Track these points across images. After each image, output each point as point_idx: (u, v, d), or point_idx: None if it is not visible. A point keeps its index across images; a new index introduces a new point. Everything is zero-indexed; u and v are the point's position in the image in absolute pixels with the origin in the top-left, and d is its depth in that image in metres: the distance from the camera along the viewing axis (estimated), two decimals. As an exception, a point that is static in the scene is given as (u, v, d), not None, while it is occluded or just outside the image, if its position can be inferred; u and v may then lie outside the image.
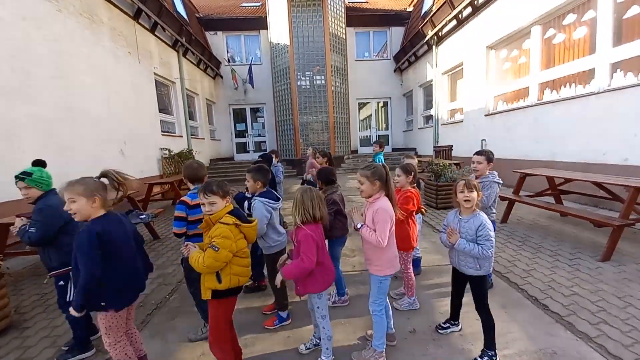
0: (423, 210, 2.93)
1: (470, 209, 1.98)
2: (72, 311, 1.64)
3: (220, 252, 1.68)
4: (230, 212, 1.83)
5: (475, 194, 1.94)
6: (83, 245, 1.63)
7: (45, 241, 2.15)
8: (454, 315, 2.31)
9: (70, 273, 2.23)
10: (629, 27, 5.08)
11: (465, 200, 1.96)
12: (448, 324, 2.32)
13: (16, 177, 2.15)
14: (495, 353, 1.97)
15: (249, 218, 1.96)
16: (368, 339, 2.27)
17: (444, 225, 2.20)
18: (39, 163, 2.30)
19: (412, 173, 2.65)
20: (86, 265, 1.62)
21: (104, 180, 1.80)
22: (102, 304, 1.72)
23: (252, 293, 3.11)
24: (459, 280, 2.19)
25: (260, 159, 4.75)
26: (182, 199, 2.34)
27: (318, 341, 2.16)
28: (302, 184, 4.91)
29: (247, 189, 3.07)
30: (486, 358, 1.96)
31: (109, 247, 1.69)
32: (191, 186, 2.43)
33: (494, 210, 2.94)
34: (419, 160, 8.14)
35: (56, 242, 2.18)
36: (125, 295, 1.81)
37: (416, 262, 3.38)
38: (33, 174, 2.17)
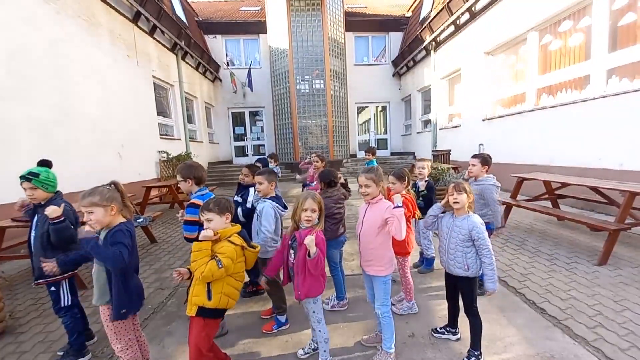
0: (417, 215, 2.96)
1: (461, 210, 2.03)
2: (49, 267, 1.68)
3: (220, 270, 1.67)
4: (239, 233, 1.84)
5: (464, 196, 1.99)
6: (124, 237, 1.67)
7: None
8: (451, 322, 2.31)
9: (67, 280, 2.23)
10: (624, 34, 5.16)
11: (454, 202, 2.02)
12: (444, 330, 2.32)
13: (22, 177, 2.10)
14: (481, 353, 2.03)
15: (252, 243, 1.95)
16: (364, 344, 2.27)
17: (432, 213, 2.22)
18: (45, 163, 2.25)
19: (406, 179, 2.69)
20: (124, 252, 1.62)
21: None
22: (123, 311, 1.71)
23: (250, 297, 3.09)
24: (451, 283, 2.20)
25: (257, 162, 4.75)
26: (192, 201, 2.29)
27: (316, 345, 2.15)
28: (303, 187, 4.92)
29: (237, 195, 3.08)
30: (473, 358, 2.01)
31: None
32: (196, 187, 2.41)
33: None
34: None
35: (64, 248, 2.14)
36: (139, 298, 1.83)
37: (429, 262, 3.49)
38: (40, 175, 2.12)
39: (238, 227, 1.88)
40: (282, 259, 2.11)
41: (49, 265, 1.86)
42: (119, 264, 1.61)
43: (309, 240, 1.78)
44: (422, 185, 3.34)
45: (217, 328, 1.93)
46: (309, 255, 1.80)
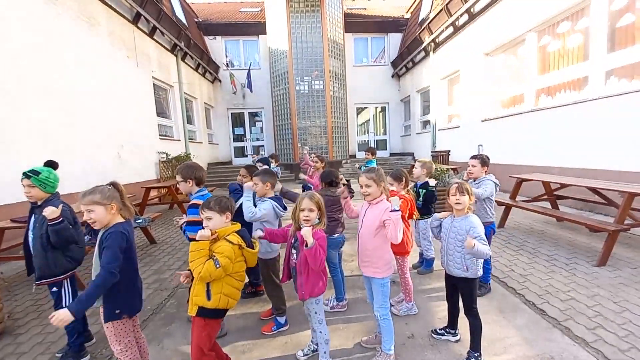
0: (415, 215, 2.96)
1: (462, 212, 2.04)
2: (65, 315, 1.43)
3: (218, 269, 1.67)
4: (237, 232, 1.83)
5: (466, 197, 2.00)
6: (117, 241, 1.65)
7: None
8: (451, 323, 2.31)
9: (68, 280, 2.24)
10: (622, 35, 5.17)
11: (456, 203, 2.02)
12: (444, 331, 2.32)
13: (24, 173, 2.13)
14: (481, 354, 2.03)
15: (253, 240, 1.94)
16: (363, 345, 2.27)
17: (435, 218, 2.22)
18: (51, 164, 2.27)
19: (404, 179, 2.70)
20: (111, 262, 1.61)
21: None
22: (117, 311, 1.71)
23: (250, 298, 3.09)
24: (451, 284, 2.21)
25: (259, 162, 4.78)
26: (193, 202, 2.31)
27: (316, 347, 2.15)
28: (303, 188, 4.93)
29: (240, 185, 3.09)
30: (473, 359, 2.01)
31: (128, 253, 1.71)
32: (196, 188, 2.42)
33: (493, 212, 2.96)
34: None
35: (64, 248, 2.16)
36: (137, 300, 1.82)
37: (429, 262, 3.48)
38: (41, 174, 2.14)
39: (238, 226, 1.86)
40: (283, 237, 2.14)
41: (60, 319, 1.46)
42: (114, 278, 1.60)
43: (306, 231, 1.79)
44: (432, 181, 3.34)
45: (219, 328, 1.91)
46: (307, 246, 1.79)
